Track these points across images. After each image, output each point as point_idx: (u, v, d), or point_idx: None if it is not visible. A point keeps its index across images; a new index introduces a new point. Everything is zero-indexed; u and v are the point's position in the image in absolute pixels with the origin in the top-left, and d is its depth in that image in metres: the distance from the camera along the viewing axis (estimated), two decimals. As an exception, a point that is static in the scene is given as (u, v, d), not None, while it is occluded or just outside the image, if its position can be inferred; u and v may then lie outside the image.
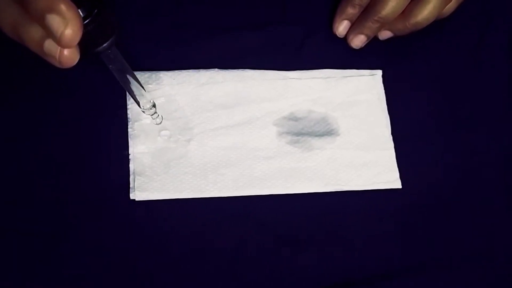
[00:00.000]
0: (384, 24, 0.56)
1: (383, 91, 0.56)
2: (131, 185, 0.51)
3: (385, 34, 0.57)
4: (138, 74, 0.54)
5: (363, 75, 0.57)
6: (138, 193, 0.51)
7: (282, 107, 0.55)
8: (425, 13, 0.55)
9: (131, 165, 0.52)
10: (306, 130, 0.54)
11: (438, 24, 0.59)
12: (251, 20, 0.58)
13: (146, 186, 0.51)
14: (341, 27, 0.57)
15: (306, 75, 0.56)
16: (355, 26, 0.57)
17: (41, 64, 0.54)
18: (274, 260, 0.50)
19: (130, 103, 0.53)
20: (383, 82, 0.57)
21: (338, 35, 0.58)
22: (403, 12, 0.55)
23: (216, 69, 0.55)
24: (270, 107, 0.55)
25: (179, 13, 0.58)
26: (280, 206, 0.52)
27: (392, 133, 0.55)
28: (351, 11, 0.57)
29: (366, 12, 0.56)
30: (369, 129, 0.55)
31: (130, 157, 0.52)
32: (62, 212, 0.50)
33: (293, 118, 0.55)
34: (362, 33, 0.56)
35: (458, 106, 0.57)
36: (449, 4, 0.56)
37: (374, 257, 0.51)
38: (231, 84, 0.55)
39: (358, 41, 0.57)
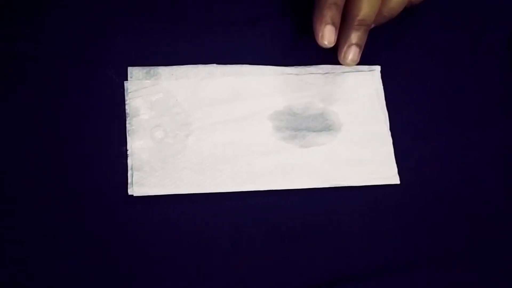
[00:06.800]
0: (368, 26, 0.53)
1: (382, 87, 0.56)
2: (129, 181, 0.51)
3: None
4: (136, 70, 0.54)
5: (362, 71, 0.57)
6: (136, 189, 0.51)
7: (280, 102, 0.55)
8: None
9: (129, 161, 0.52)
10: (304, 126, 0.54)
11: (436, 20, 0.59)
12: (249, 15, 0.58)
13: (144, 182, 0.51)
14: (326, 33, 0.53)
15: (304, 71, 0.56)
16: (341, 40, 0.53)
17: (39, 62, 0.55)
18: (272, 256, 0.50)
19: (129, 99, 0.54)
20: (382, 78, 0.57)
21: (326, 44, 0.53)
22: None
23: (215, 65, 0.55)
24: (268, 103, 0.55)
25: (177, 8, 0.58)
26: (278, 202, 0.52)
27: (391, 129, 0.55)
28: (329, 13, 0.53)
29: (346, 21, 0.53)
30: (367, 125, 0.55)
31: (128, 153, 0.52)
32: (61, 209, 0.50)
33: (291, 113, 0.55)
34: (352, 44, 0.53)
35: (456, 102, 0.57)
36: None
37: (372, 252, 0.51)
38: (229, 80, 0.55)
39: (351, 54, 0.53)
